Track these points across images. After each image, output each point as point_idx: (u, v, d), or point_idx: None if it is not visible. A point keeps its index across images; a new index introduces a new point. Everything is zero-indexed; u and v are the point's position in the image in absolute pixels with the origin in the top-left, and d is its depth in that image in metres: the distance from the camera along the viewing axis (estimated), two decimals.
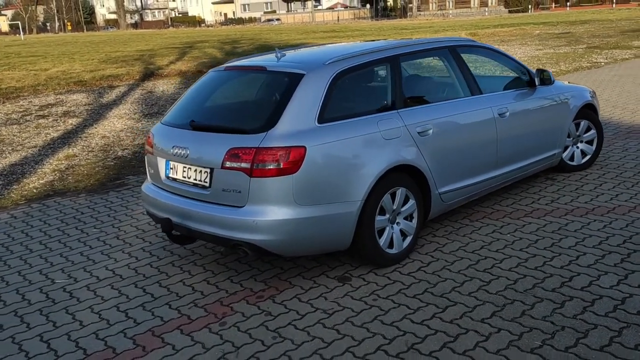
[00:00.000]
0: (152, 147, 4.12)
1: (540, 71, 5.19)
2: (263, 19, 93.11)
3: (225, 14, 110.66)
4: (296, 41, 33.47)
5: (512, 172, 4.86)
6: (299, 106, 3.56)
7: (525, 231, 4.41)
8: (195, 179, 3.74)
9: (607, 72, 13.66)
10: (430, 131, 4.07)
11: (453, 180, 4.29)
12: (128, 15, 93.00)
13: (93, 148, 8.49)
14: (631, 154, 6.33)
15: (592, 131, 5.80)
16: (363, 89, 4.18)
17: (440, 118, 4.18)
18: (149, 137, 4.25)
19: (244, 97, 4.25)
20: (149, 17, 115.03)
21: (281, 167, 3.39)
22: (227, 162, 3.50)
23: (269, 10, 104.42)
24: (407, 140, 3.92)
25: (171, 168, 3.94)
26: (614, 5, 67.12)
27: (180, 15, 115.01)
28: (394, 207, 3.91)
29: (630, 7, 63.65)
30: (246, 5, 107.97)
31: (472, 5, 77.39)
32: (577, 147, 5.79)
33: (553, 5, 73.83)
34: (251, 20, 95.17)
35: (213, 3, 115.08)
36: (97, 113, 11.62)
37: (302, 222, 3.47)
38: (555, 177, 5.67)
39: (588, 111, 5.72)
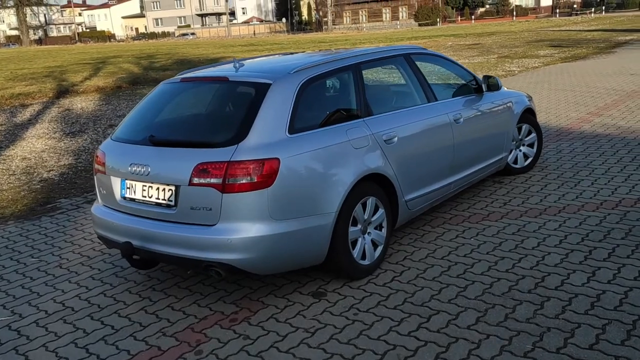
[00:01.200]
0: (103, 165, 3.81)
1: (487, 77, 5.31)
2: (177, 33, 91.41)
3: (137, 29, 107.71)
4: (215, 55, 33.01)
5: (468, 176, 4.92)
6: (269, 117, 3.41)
7: (487, 234, 4.46)
8: (158, 198, 3.48)
9: (522, 79, 14.36)
10: (395, 139, 4.03)
11: (417, 187, 4.27)
12: (31, 31, 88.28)
13: (14, 171, 7.87)
14: (565, 155, 6.61)
15: (533, 134, 6.01)
16: (328, 97, 4.08)
17: (403, 125, 4.16)
18: (97, 155, 3.93)
19: (205, 109, 4.03)
20: (53, 33, 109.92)
21: (255, 181, 3.22)
22: (195, 179, 3.29)
23: (183, 24, 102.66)
24: (375, 148, 3.86)
25: (128, 188, 3.66)
26: (514, 18, 71.25)
27: (87, 30, 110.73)
28: (365, 217, 3.82)
29: (528, 19, 67.82)
30: (159, 20, 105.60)
31: (384, 19, 79.64)
32: (520, 151, 5.97)
33: (459, 18, 77.30)
34: (164, 34, 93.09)
35: (123, 17, 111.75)
36: (13, 134, 10.84)
37: (278, 238, 3.31)
38: (502, 180, 5.82)
39: (528, 115, 5.93)
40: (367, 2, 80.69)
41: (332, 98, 4.17)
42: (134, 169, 3.54)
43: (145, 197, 3.55)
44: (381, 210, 3.94)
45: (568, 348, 2.89)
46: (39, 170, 7.85)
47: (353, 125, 3.82)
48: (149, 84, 19.08)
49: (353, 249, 3.74)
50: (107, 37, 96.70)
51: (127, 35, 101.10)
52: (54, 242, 5.06)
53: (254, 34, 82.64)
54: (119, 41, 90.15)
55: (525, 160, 6.00)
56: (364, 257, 3.84)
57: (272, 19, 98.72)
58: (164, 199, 3.46)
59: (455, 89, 5.11)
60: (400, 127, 4.12)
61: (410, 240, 4.46)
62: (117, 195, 3.72)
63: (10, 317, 3.71)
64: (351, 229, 3.70)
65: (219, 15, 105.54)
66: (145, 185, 3.54)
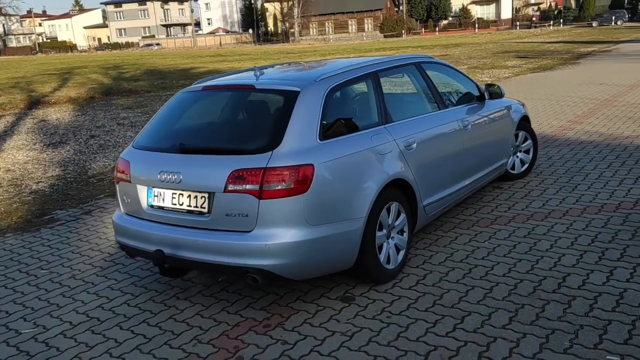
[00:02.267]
0: (127, 174, 3.78)
1: (489, 85, 5.47)
2: (142, 43, 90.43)
3: (99, 39, 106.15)
4: (185, 65, 32.80)
5: (476, 180, 5.04)
6: (300, 123, 3.45)
7: (499, 238, 4.57)
8: (190, 206, 3.48)
9: None
10: (414, 145, 4.12)
11: (434, 192, 4.37)
12: None
13: (0, 183, 7.68)
14: (557, 161, 6.83)
15: (529, 141, 6.20)
16: (352, 104, 4.15)
17: (420, 132, 4.25)
18: (119, 164, 3.90)
19: (233, 117, 4.04)
20: (12, 43, 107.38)
21: (291, 186, 3.25)
22: (231, 185, 3.30)
23: (147, 34, 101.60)
24: (398, 154, 3.94)
25: (155, 196, 3.64)
26: (476, 30, 72.89)
27: (48, 40, 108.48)
28: (390, 222, 3.89)
29: (490, 31, 69.54)
30: (122, 30, 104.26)
31: (350, 31, 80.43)
32: (517, 157, 6.14)
33: (423, 30, 78.68)
34: (128, 45, 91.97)
35: (85, 27, 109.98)
36: None
37: (314, 243, 3.35)
38: (501, 185, 5.97)
39: (524, 122, 6.11)
40: (334, 13, 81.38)
41: (355, 105, 4.24)
42: (163, 176, 3.53)
43: (175, 204, 3.54)
44: (403, 215, 4.01)
45: (604, 344, 3.00)
46: (27, 182, 7.67)
47: (377, 132, 3.89)
48: (122, 94, 18.84)
49: (379, 253, 3.80)
50: (68, 47, 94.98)
51: (89, 45, 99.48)
52: (61, 253, 4.96)
53: (220, 44, 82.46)
54: (81, 51, 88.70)
55: (522, 166, 6.18)
56: (388, 261, 3.90)
57: (238, 30, 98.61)
58: (196, 206, 3.45)
59: (460, 96, 5.24)
60: (418, 134, 4.22)
61: (426, 245, 4.54)
62: (144, 204, 3.69)
63: (34, 329, 3.63)
64: (378, 233, 3.76)
65: (184, 25, 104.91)
66: (176, 193, 3.53)
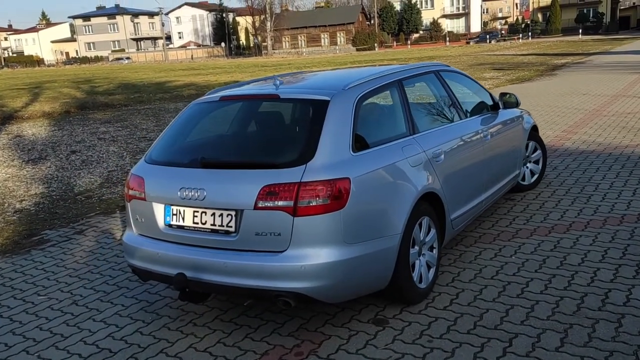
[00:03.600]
0: (141, 191, 3.48)
1: (503, 95, 5.32)
2: (111, 57, 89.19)
3: (67, 53, 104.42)
4: (158, 79, 32.33)
5: (495, 192, 4.87)
6: (333, 134, 3.21)
7: (525, 252, 4.39)
8: (214, 224, 3.20)
9: None
10: (442, 156, 3.92)
11: (460, 206, 4.17)
12: None
13: None
14: (563, 171, 6.72)
15: (538, 151, 6.07)
16: (380, 114, 3.93)
17: (446, 142, 4.06)
18: (130, 180, 3.60)
19: (257, 128, 3.78)
20: None
21: (328, 202, 3.01)
22: (261, 202, 3.03)
23: (117, 48, 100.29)
24: (428, 166, 3.73)
25: (174, 214, 3.35)
26: (447, 43, 73.93)
27: (14, 54, 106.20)
28: (422, 238, 3.67)
29: (460, 44, 70.60)
30: (91, 44, 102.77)
31: (322, 44, 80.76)
32: (527, 167, 6.00)
33: (394, 43, 79.43)
34: (98, 59, 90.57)
35: (52, 42, 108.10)
36: None
37: (351, 263, 3.10)
38: (513, 197, 5.82)
39: (534, 132, 5.99)
40: (306, 27, 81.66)
41: (383, 114, 4.02)
42: (185, 193, 3.24)
43: (197, 223, 3.25)
44: (433, 231, 3.80)
45: None
46: (9, 200, 7.25)
47: (407, 143, 3.68)
48: (99, 108, 18.34)
49: (412, 271, 3.57)
50: (35, 62, 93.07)
51: (57, 59, 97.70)
52: (57, 277, 4.61)
53: (192, 58, 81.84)
54: (48, 66, 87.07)
55: (532, 177, 6.04)
56: (420, 280, 3.67)
57: (209, 44, 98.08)
58: (221, 225, 3.18)
59: (477, 105, 5.07)
60: (445, 144, 4.02)
61: (450, 261, 4.33)
62: (160, 223, 3.40)
63: None
64: (411, 250, 3.53)
65: (154, 39, 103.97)
66: (198, 211, 3.25)
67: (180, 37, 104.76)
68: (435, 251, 3.85)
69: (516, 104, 5.34)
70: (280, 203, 3.01)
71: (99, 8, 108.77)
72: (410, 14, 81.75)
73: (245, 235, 3.10)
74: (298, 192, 2.99)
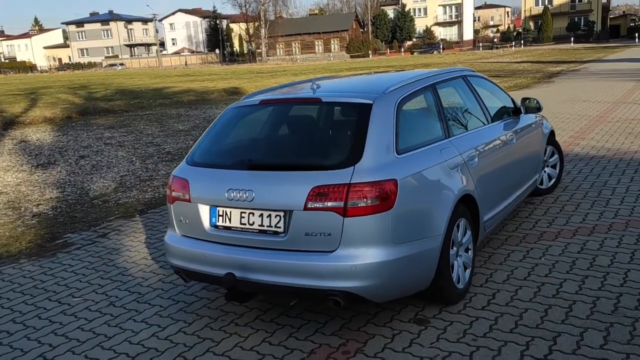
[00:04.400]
0: (185, 192, 3.52)
1: (525, 100, 5.41)
2: (105, 63, 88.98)
3: (60, 59, 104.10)
4: (155, 85, 32.33)
5: (519, 196, 4.95)
6: (378, 137, 3.28)
7: (553, 254, 4.46)
8: (262, 225, 3.25)
9: None
10: (476, 159, 4.00)
11: (491, 208, 4.25)
12: None
13: None
14: (577, 176, 6.81)
15: (556, 156, 6.17)
16: (419, 117, 4.00)
17: (478, 145, 4.14)
18: (173, 182, 3.64)
19: (300, 131, 3.83)
20: None
21: (377, 203, 3.07)
22: (311, 203, 3.09)
23: (110, 54, 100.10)
24: (464, 168, 3.81)
25: (220, 215, 3.39)
26: (441, 50, 74.38)
27: (7, 60, 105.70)
28: (459, 239, 3.74)
29: (454, 52, 71.07)
30: (84, 50, 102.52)
31: (317, 51, 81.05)
32: (545, 172, 6.09)
33: (388, 50, 79.82)
34: (91, 65, 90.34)
35: (45, 47, 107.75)
36: None
37: (399, 263, 3.16)
38: (532, 201, 5.90)
39: (552, 137, 6.08)
40: (300, 34, 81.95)
41: (421, 117, 4.09)
42: (232, 195, 3.29)
43: (244, 224, 3.30)
44: (468, 232, 3.87)
45: None
46: (25, 204, 7.26)
47: (445, 145, 3.76)
48: (100, 114, 18.34)
49: (452, 272, 3.63)
50: (28, 67, 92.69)
51: (50, 66, 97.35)
52: (89, 279, 4.63)
53: (186, 64, 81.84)
54: (41, 72, 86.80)
55: (550, 181, 6.13)
56: (458, 280, 3.73)
57: (203, 50, 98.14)
58: (269, 226, 3.23)
59: (500, 110, 5.15)
60: (477, 147, 4.10)
61: (481, 263, 4.40)
62: (206, 224, 3.44)
63: None
64: (450, 251, 3.59)
65: (148, 45, 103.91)
66: (245, 212, 3.30)
67: (174, 44, 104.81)
68: (470, 252, 3.91)
69: (538, 109, 5.42)
70: (330, 204, 3.07)
71: (92, 14, 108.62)
72: (404, 21, 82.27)
73: (294, 236, 3.15)
74: (348, 193, 3.05)
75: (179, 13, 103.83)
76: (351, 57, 72.30)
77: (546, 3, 77.04)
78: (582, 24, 75.90)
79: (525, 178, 5.15)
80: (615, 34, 78.39)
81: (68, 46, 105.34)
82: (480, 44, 76.77)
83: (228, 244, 3.37)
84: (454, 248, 3.67)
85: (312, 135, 3.83)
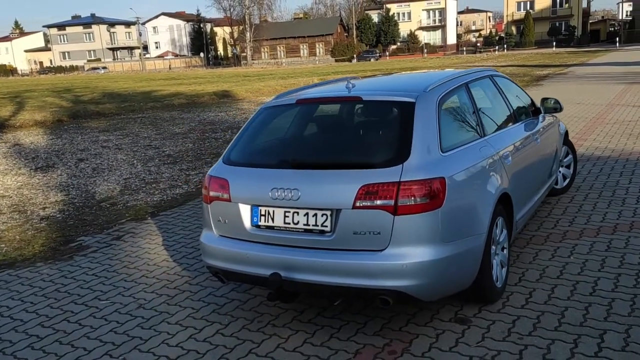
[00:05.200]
0: (225, 192, 3.46)
1: (544, 100, 5.44)
2: (87, 67, 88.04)
3: (42, 62, 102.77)
4: (142, 88, 32.04)
5: (542, 195, 4.97)
6: (423, 135, 3.26)
7: (581, 252, 4.48)
8: (308, 224, 3.21)
9: None
10: (510, 158, 4.00)
11: (521, 207, 4.25)
12: None
13: (0, 209, 7.09)
14: (588, 176, 6.86)
15: (570, 156, 6.21)
16: (456, 115, 3.99)
17: (510, 144, 4.14)
18: (210, 182, 3.58)
19: (343, 130, 3.80)
20: None
21: (427, 201, 3.05)
22: (360, 201, 3.06)
23: (93, 58, 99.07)
24: (501, 167, 3.81)
25: (262, 215, 3.35)
26: (425, 54, 74.89)
27: None
28: (498, 238, 3.73)
29: (438, 56, 71.59)
30: (66, 53, 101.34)
31: (302, 55, 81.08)
32: (560, 172, 6.13)
33: None
34: (73, 68, 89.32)
35: (26, 51, 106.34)
36: None
37: (447, 261, 3.14)
38: (549, 201, 5.92)
39: (566, 137, 6.12)
40: (285, 38, 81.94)
41: (458, 116, 4.08)
42: (277, 194, 3.25)
43: (289, 224, 3.26)
44: (504, 231, 3.86)
45: None
46: (31, 208, 7.12)
47: (482, 144, 3.75)
48: (91, 117, 18.12)
49: (492, 271, 3.62)
50: (9, 71, 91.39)
51: (32, 69, 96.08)
52: (113, 282, 4.54)
53: (170, 68, 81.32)
54: (22, 75, 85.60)
55: (564, 181, 6.17)
56: (496, 279, 3.72)
57: (186, 54, 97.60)
58: (315, 225, 3.19)
59: (522, 109, 5.16)
60: (509, 146, 4.10)
61: (510, 262, 4.39)
62: (247, 224, 3.39)
63: None
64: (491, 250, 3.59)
65: (131, 49, 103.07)
66: (289, 211, 3.26)
67: (157, 47, 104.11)
68: (505, 251, 3.91)
69: (556, 109, 5.43)
70: (380, 202, 3.04)
71: (74, 17, 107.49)
72: (388, 26, 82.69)
73: (342, 235, 3.12)
74: (398, 191, 3.02)
75: (162, 16, 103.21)
76: (336, 60, 72.44)
77: (528, 8, 77.97)
78: (563, 28, 76.92)
79: (547, 177, 5.18)
80: (595, 38, 79.58)
81: (49, 49, 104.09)
82: (464, 48, 77.45)
83: (271, 243, 3.32)
84: (493, 246, 3.66)
85: (356, 134, 3.80)
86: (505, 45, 73.08)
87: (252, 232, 3.38)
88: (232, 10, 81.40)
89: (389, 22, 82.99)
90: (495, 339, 3.29)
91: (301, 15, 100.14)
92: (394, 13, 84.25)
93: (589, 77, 23.70)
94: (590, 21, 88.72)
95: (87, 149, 11.58)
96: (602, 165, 7.35)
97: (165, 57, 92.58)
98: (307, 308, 3.82)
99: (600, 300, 3.65)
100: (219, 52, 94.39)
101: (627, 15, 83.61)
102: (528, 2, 78.70)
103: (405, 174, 3.06)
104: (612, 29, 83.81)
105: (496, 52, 66.36)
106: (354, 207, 3.07)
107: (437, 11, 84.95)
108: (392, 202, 3.02)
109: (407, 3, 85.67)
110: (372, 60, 69.48)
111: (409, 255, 3.04)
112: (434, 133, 3.32)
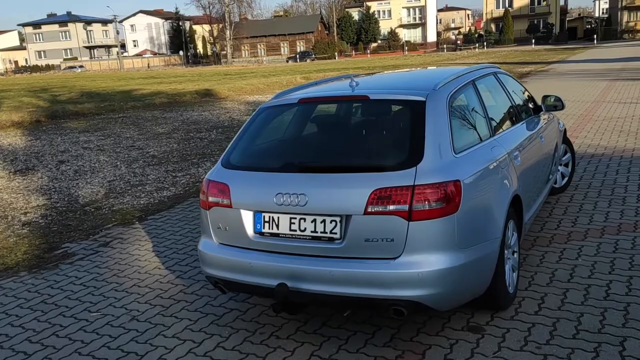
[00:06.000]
0: (225, 197, 3.26)
1: (545, 97, 5.32)
2: (63, 66, 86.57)
3: (16, 61, 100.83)
4: (121, 88, 31.52)
5: (546, 194, 4.85)
6: (435, 135, 3.10)
7: (588, 254, 4.36)
8: (315, 231, 3.02)
9: None
10: (519, 158, 3.86)
11: (529, 208, 4.12)
12: None
13: None
14: (584, 174, 6.77)
15: (568, 154, 6.11)
16: (466, 114, 3.83)
17: (518, 143, 4.01)
18: (209, 187, 3.37)
19: (349, 131, 3.62)
20: None
21: (443, 206, 2.88)
22: (372, 207, 2.88)
23: (69, 57, 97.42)
24: (511, 168, 3.66)
25: (266, 221, 3.15)
26: (405, 52, 75.00)
27: None
28: (509, 242, 3.59)
29: (419, 53, 71.74)
30: (41, 52, 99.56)
31: (282, 53, 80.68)
32: (559, 170, 6.02)
33: (353, 52, 80.00)
34: (49, 67, 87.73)
35: (1, 50, 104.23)
36: None
37: (463, 269, 2.98)
38: (549, 200, 5.81)
39: (564, 135, 6.02)
40: (265, 36, 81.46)
41: (468, 114, 3.92)
42: (282, 199, 3.06)
43: (295, 230, 3.07)
44: (515, 234, 3.72)
45: None
46: (11, 212, 6.83)
47: (493, 144, 3.60)
48: (70, 117, 17.68)
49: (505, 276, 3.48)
50: None
51: (6, 68, 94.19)
52: (102, 292, 4.32)
53: (149, 66, 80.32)
54: None
55: (563, 180, 6.06)
56: (508, 284, 3.58)
57: (165, 52, 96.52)
58: (323, 232, 3.01)
59: (524, 107, 5.03)
60: (517, 145, 3.97)
61: None
62: (249, 231, 3.20)
63: None
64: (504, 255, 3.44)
65: (108, 47, 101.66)
66: (295, 218, 3.07)
67: (135, 46, 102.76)
68: (516, 255, 3.77)
69: (559, 107, 5.30)
70: (393, 207, 2.86)
71: (50, 15, 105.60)
72: (369, 23, 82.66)
73: (352, 242, 2.94)
74: (412, 195, 2.86)
75: (140, 14, 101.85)
76: (317, 58, 72.15)
77: (507, 5, 78.54)
78: (541, 26, 77.62)
79: (549, 176, 5.06)
80: (573, 35, 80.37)
81: (25, 48, 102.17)
82: (445, 46, 77.75)
83: (276, 252, 3.13)
84: (506, 251, 3.52)
85: (364, 135, 3.61)
86: (485, 43, 73.48)
87: (255, 240, 3.19)
88: (211, 8, 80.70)
89: (369, 20, 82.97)
90: (512, 348, 3.14)
91: (281, 13, 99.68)
92: (374, 11, 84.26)
93: (571, 74, 23.84)
94: (568, 19, 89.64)
95: (67, 151, 11.24)
96: (597, 163, 7.28)
97: (143, 56, 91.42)
98: (310, 318, 3.64)
99: (615, 305, 3.53)
100: (198, 51, 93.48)
101: (603, 12, 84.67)
102: (507, 0, 79.26)
103: (419, 177, 2.90)
104: (589, 26, 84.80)
105: (476, 50, 66.68)
106: (366, 212, 2.89)
107: (417, 9, 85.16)
108: (406, 207, 2.85)
109: (388, 1, 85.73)
110: (307, 60, 69.53)
111: (425, 263, 2.87)
112: (446, 133, 3.16)
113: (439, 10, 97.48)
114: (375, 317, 3.56)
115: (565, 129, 6.06)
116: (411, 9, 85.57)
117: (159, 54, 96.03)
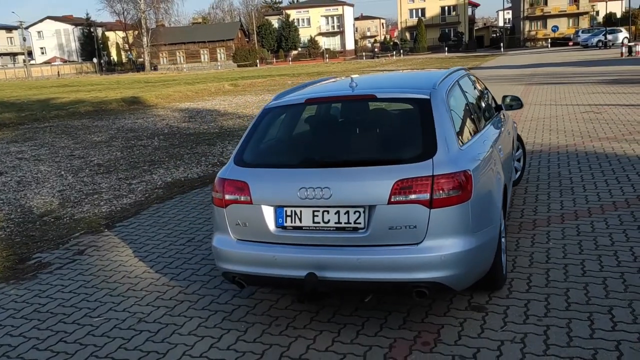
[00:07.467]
0: (247, 195, 3.35)
1: (505, 97, 5.75)
2: None
3: None
4: (35, 96, 30.15)
5: (511, 187, 5.25)
6: (444, 130, 3.35)
7: (557, 238, 4.77)
8: (340, 222, 3.19)
9: None
10: (502, 151, 4.20)
11: (508, 197, 4.47)
12: None
13: None
14: (530, 169, 7.32)
15: (520, 150, 6.60)
16: (459, 111, 4.10)
17: (498, 137, 4.35)
18: (226, 184, 3.45)
19: (364, 127, 3.78)
20: None
21: (459, 193, 3.14)
22: (395, 196, 3.09)
23: None
24: (498, 159, 3.99)
25: (288, 216, 3.28)
26: (326, 59, 76.13)
27: None
28: (502, 227, 3.90)
29: (339, 61, 73.06)
30: None
31: (202, 60, 79.60)
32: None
33: (274, 60, 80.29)
34: None
35: None
36: None
37: (477, 251, 3.25)
38: None
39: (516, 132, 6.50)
40: (184, 43, 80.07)
41: (460, 111, 4.20)
42: (306, 193, 3.20)
43: (318, 222, 3.22)
44: (503, 220, 4.05)
45: None
46: None
47: (483, 137, 3.91)
48: (7, 126, 16.67)
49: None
50: None
51: None
52: (96, 297, 4.26)
53: (59, 74, 76.71)
54: None
55: (516, 174, 6.53)
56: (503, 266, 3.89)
57: (76, 60, 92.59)
58: (348, 222, 3.18)
59: (491, 105, 5.39)
60: (498, 140, 4.31)
61: None
62: (271, 226, 3.31)
63: None
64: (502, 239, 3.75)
65: (14, 55, 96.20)
66: (318, 210, 3.22)
67: (43, 53, 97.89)
68: (504, 239, 4.10)
69: (516, 107, 5.74)
70: (415, 197, 3.08)
71: None
72: (289, 31, 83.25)
73: (377, 231, 3.13)
74: (433, 184, 3.09)
75: (47, 20, 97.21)
76: (239, 66, 71.76)
77: (420, 15, 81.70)
78: (452, 34, 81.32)
79: (512, 169, 5.47)
80: (480, 44, 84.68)
81: None
82: (363, 54, 79.64)
83: (300, 244, 3.26)
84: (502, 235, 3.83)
85: (378, 132, 3.81)
86: (401, 51, 76.00)
87: (278, 234, 3.30)
88: (126, 14, 78.36)
89: (289, 27, 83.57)
90: (516, 322, 3.44)
91: (200, 20, 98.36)
92: (293, 19, 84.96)
93: (489, 79, 25.10)
94: (475, 28, 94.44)
95: (1, 162, 10.69)
96: (539, 159, 7.87)
97: (52, 63, 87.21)
98: (321, 309, 3.78)
99: (594, 280, 3.92)
100: (112, 58, 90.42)
101: (507, 22, 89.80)
102: (420, 10, 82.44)
103: (437, 168, 3.13)
104: (495, 35, 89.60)
105: (394, 57, 68.81)
106: (390, 202, 3.10)
107: (335, 17, 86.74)
108: (427, 195, 3.08)
109: (306, 9, 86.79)
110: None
111: (445, 247, 3.11)
112: (450, 128, 3.42)
113: (355, 19, 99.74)
114: (383, 302, 3.75)
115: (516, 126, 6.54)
116: (329, 18, 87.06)
117: (70, 61, 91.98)
